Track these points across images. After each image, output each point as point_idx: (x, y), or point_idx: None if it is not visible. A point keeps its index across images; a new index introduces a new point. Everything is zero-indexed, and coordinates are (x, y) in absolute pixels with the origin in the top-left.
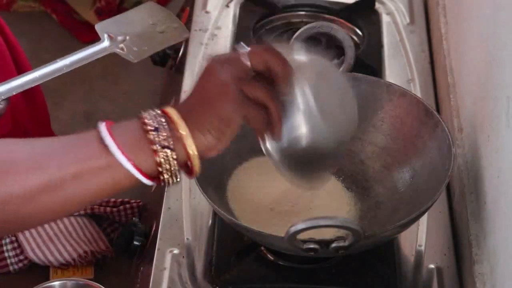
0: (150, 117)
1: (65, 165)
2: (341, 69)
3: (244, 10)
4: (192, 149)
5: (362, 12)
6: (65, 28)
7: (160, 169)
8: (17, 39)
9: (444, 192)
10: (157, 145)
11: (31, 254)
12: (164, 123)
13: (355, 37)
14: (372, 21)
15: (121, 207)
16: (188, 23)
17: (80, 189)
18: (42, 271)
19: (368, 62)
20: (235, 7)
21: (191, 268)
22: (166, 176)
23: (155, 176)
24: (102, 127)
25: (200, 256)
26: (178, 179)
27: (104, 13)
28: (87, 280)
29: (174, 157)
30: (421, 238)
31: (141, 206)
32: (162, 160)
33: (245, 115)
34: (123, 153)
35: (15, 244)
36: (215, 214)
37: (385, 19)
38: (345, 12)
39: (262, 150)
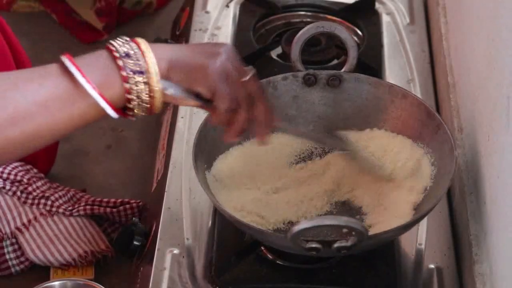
0: (119, 45)
1: (30, 94)
2: (343, 69)
3: (244, 10)
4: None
5: (362, 12)
6: (65, 28)
7: (129, 96)
8: (17, 39)
9: None
10: (127, 71)
11: (31, 255)
12: (136, 49)
13: (355, 37)
14: (372, 21)
15: (121, 208)
16: (188, 23)
17: (48, 120)
18: (43, 272)
19: (368, 62)
20: (235, 7)
21: (191, 268)
22: (134, 103)
23: (122, 107)
24: (64, 57)
25: (200, 256)
26: (143, 113)
27: (104, 14)
28: (88, 280)
29: (145, 81)
30: (421, 238)
31: (141, 206)
32: (132, 86)
33: (225, 94)
34: (87, 80)
35: (16, 246)
36: (215, 214)
37: (385, 19)
38: (345, 12)
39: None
